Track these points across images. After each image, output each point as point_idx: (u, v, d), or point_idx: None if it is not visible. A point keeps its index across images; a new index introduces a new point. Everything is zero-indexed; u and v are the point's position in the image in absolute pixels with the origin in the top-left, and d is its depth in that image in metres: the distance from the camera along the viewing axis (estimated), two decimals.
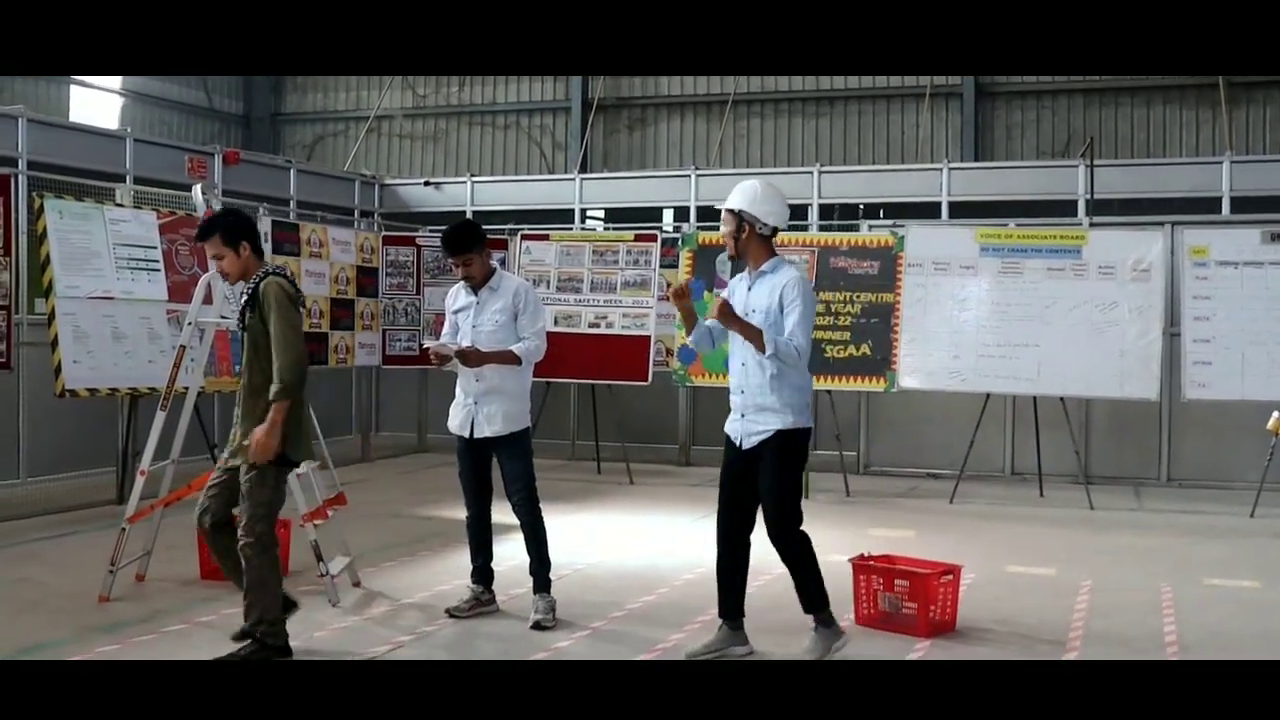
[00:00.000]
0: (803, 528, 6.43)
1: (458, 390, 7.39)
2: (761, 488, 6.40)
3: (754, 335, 6.30)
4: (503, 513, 7.38)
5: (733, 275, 6.77)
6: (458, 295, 7.40)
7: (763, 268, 6.49)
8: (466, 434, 7.29)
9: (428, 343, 7.33)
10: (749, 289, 6.53)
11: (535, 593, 7.21)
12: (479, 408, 7.23)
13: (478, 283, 7.29)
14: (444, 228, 7.47)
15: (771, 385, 6.35)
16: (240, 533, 6.34)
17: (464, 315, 7.32)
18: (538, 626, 7.00)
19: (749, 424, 6.42)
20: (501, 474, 7.33)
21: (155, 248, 11.11)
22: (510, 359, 7.18)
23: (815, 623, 6.46)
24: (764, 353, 6.27)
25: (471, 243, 7.21)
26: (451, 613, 7.23)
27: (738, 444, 6.48)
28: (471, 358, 7.11)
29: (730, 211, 6.48)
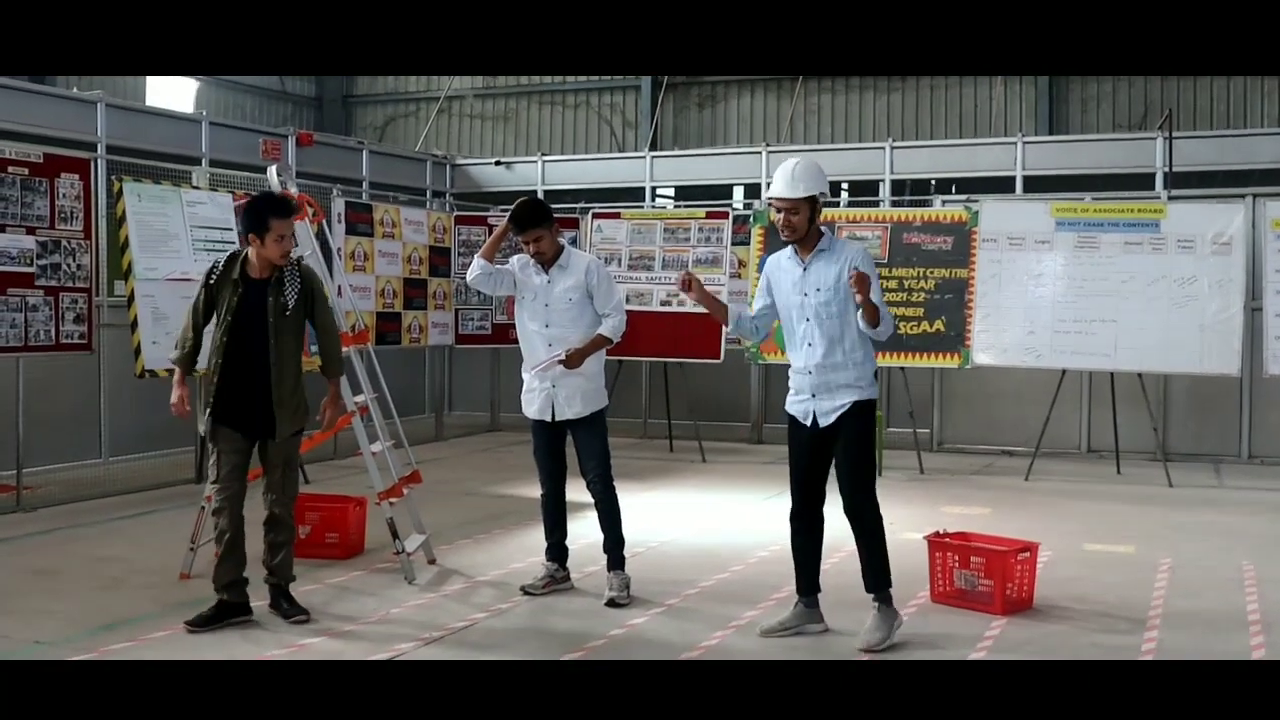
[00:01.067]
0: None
1: (529, 377, 7.34)
2: (841, 461, 6.36)
3: (874, 311, 6.12)
4: (576, 491, 7.40)
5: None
6: (526, 266, 7.30)
7: (819, 246, 6.38)
8: (547, 419, 7.26)
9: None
10: (804, 270, 6.38)
11: (610, 570, 7.21)
12: (558, 391, 7.20)
13: (548, 261, 7.22)
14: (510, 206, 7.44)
15: (847, 361, 6.30)
16: (285, 498, 6.74)
17: (532, 295, 7.26)
18: (612, 603, 7.00)
19: (822, 403, 6.33)
20: (577, 452, 7.32)
21: (231, 229, 11.21)
22: (603, 344, 7.20)
23: (876, 601, 6.38)
24: (876, 328, 6.16)
25: (540, 219, 7.13)
26: (526, 590, 7.26)
27: (808, 424, 6.38)
28: (574, 360, 7.10)
29: (803, 199, 6.29)
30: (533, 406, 7.32)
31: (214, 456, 6.77)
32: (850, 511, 6.40)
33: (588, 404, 7.24)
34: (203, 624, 6.49)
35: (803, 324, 6.39)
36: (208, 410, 6.70)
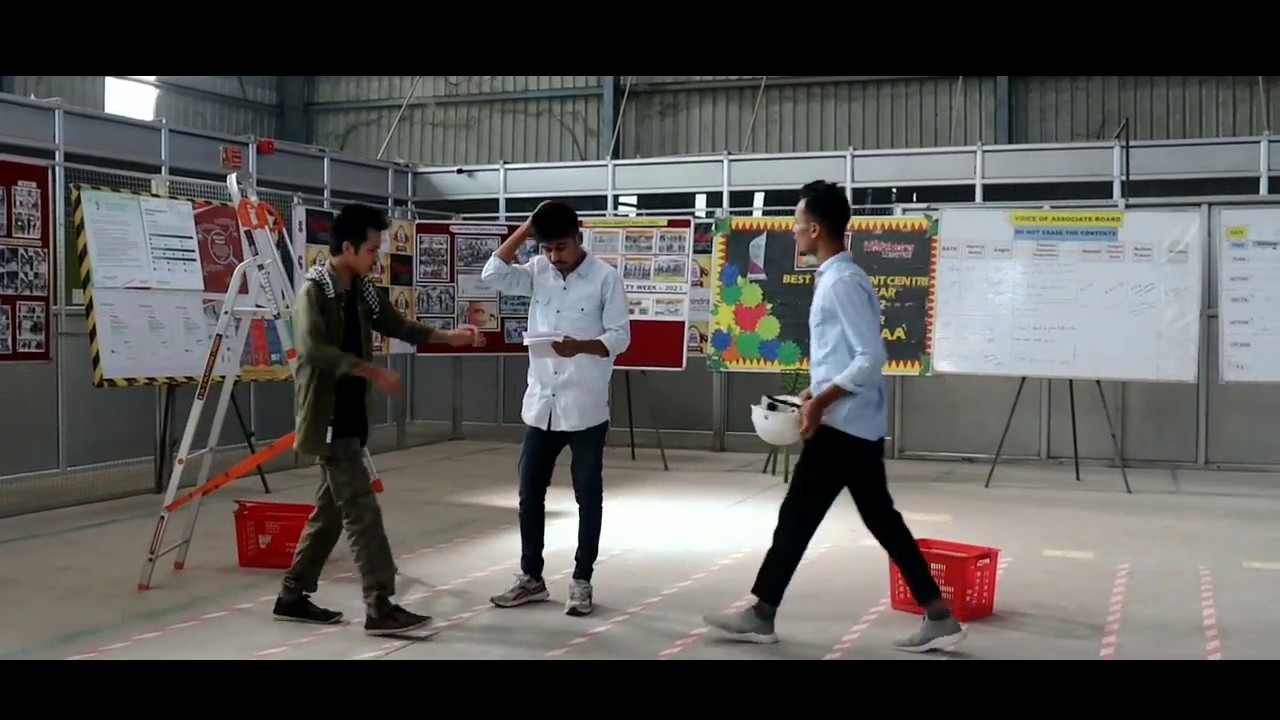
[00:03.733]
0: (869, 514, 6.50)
1: (532, 381, 7.23)
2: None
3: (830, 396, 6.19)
4: (553, 501, 7.34)
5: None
6: (545, 270, 7.19)
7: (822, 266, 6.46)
8: (544, 426, 7.15)
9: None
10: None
11: (575, 579, 7.15)
12: (557, 400, 7.10)
13: (568, 268, 7.14)
14: (477, 214, 7.40)
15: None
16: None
17: (546, 299, 7.15)
18: (574, 612, 6.97)
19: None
20: (572, 461, 7.22)
21: (191, 238, 11.19)
22: (599, 349, 7.10)
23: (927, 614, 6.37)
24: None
25: (568, 227, 7.07)
26: (497, 602, 7.14)
27: (876, 441, 6.44)
28: (568, 347, 7.01)
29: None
30: (530, 412, 7.21)
31: (347, 471, 6.69)
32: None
33: (586, 418, 7.13)
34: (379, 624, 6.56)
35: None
36: (329, 428, 6.63)
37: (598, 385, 7.20)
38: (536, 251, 7.43)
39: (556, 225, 7.05)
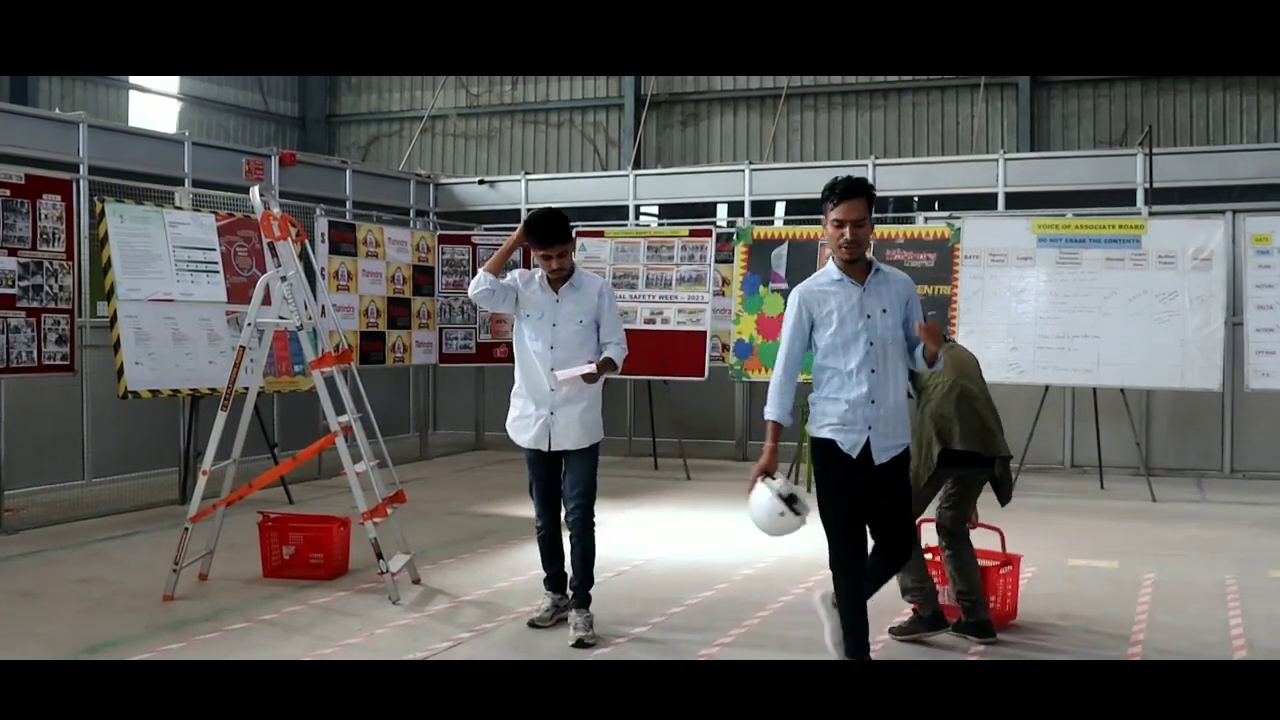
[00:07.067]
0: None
1: (523, 403, 7.03)
2: (895, 503, 5.87)
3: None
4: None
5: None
6: (530, 282, 6.92)
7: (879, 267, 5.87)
8: (544, 448, 6.93)
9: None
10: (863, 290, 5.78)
11: (576, 609, 6.86)
12: (555, 419, 6.88)
13: (559, 279, 6.92)
14: (499, 225, 7.34)
15: (901, 397, 5.83)
16: None
17: (538, 313, 6.90)
18: (580, 644, 6.62)
19: (882, 438, 5.72)
20: (565, 479, 7.00)
21: (214, 250, 11.23)
22: (612, 368, 6.87)
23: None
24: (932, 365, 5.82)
25: (566, 233, 6.80)
26: (535, 624, 6.99)
27: (856, 456, 5.71)
28: (593, 376, 6.77)
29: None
30: (527, 435, 6.98)
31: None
32: (898, 555, 6.03)
33: (587, 435, 6.93)
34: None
35: (867, 347, 5.75)
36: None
37: (594, 401, 6.99)
38: (513, 267, 7.21)
39: (557, 232, 6.77)
